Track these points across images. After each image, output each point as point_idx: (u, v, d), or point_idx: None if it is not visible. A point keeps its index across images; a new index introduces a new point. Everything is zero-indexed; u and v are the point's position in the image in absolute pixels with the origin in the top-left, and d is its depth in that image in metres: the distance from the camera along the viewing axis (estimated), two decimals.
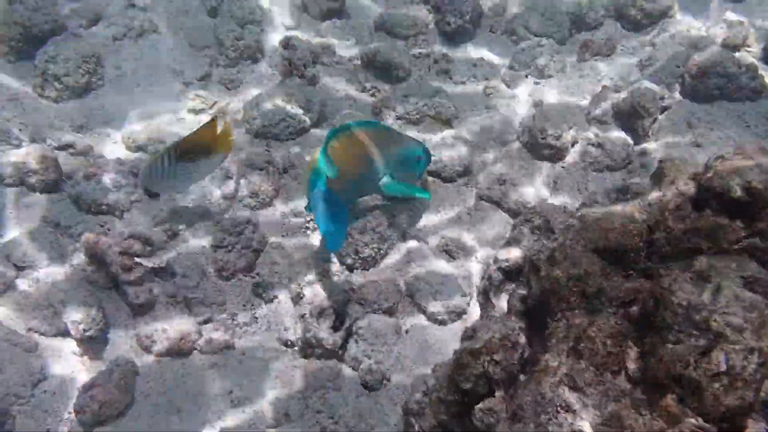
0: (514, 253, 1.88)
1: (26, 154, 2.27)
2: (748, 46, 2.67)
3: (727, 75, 2.46)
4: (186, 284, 2.10)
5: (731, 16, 2.73)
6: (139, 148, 2.48)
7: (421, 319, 2.15)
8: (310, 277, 2.19)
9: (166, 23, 2.90)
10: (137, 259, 2.06)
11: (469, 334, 1.64)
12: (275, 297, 2.18)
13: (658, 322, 1.33)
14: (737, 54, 2.64)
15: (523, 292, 1.70)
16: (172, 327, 2.03)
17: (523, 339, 1.54)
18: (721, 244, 1.42)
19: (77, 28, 2.78)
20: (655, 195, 1.61)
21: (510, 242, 2.06)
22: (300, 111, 2.60)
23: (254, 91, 2.74)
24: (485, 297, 1.95)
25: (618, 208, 1.62)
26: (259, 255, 2.26)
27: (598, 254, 1.53)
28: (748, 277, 1.31)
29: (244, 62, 2.85)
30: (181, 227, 2.26)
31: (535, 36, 2.94)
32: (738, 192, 1.43)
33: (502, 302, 1.89)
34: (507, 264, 1.88)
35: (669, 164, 1.64)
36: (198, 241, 2.26)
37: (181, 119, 2.60)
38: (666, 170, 1.65)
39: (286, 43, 2.82)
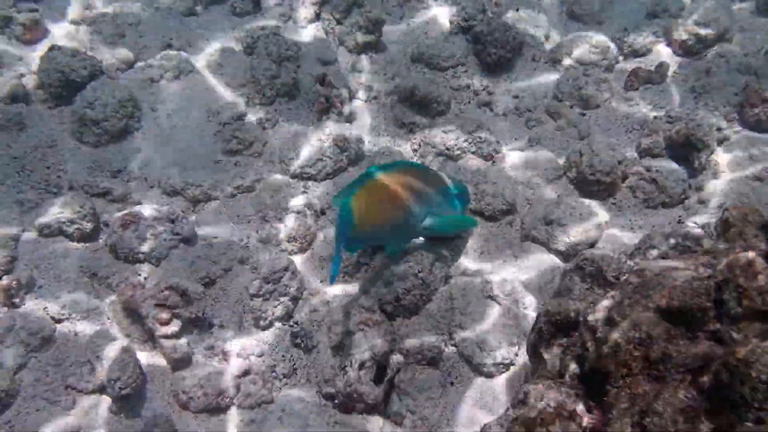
0: (566, 306, 1.76)
1: (64, 203, 2.26)
2: None
3: None
4: (223, 336, 2.05)
5: None
6: (175, 193, 2.45)
7: (467, 371, 2.05)
8: (351, 326, 2.11)
9: (203, 63, 2.89)
10: (174, 311, 2.01)
11: (520, 398, 1.52)
12: (314, 347, 2.10)
13: (735, 397, 1.20)
14: None
15: (577, 351, 1.58)
16: (209, 382, 1.97)
17: (581, 406, 1.43)
18: None
19: (114, 71, 2.78)
20: (721, 247, 1.49)
21: (561, 292, 1.94)
22: (336, 151, 2.55)
23: (291, 130, 2.69)
24: (535, 351, 1.83)
25: (680, 262, 1.49)
26: (297, 302, 2.19)
27: (660, 314, 1.41)
28: None
29: (281, 100, 2.80)
30: (218, 274, 2.21)
31: (581, 64, 2.83)
32: None
33: (553, 358, 1.76)
34: (558, 318, 1.76)
35: (735, 213, 1.52)
36: (235, 288, 2.20)
37: (218, 161, 2.56)
38: (732, 220, 1.52)
39: (322, 80, 2.78)
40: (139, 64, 2.86)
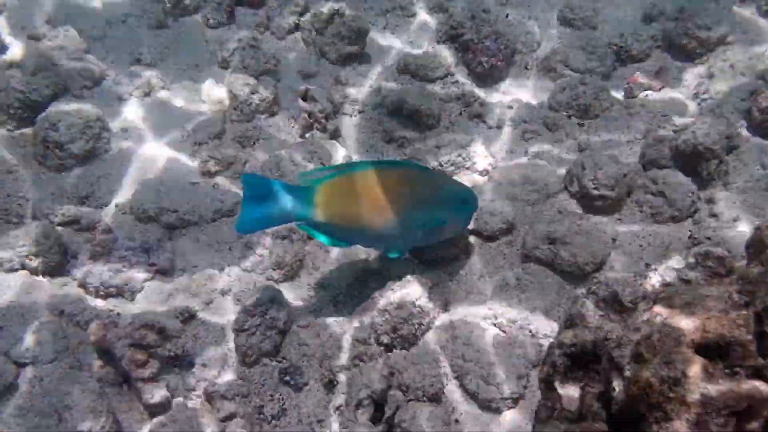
0: (582, 337, 1.60)
1: (26, 233, 2.07)
2: None
3: None
4: (206, 375, 1.87)
5: None
6: (150, 219, 2.26)
7: (472, 407, 1.88)
8: (344, 360, 1.95)
9: (176, 79, 2.71)
10: (151, 351, 1.82)
11: None
12: (305, 384, 1.93)
13: None
14: None
15: (599, 388, 1.43)
16: (191, 428, 1.79)
17: None
18: None
19: (80, 89, 2.59)
20: (755, 272, 1.34)
21: (573, 319, 1.79)
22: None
23: (272, 148, 2.52)
24: (548, 386, 1.67)
25: (711, 288, 1.35)
26: (285, 336, 2.02)
27: (694, 349, 1.26)
28: None
29: (260, 116, 2.63)
30: (198, 308, 2.03)
31: (575, 72, 2.70)
32: None
33: (571, 393, 1.60)
34: (574, 350, 1.61)
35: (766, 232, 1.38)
36: (217, 322, 2.02)
37: (195, 183, 2.38)
38: (766, 239, 1.38)
39: (305, 95, 2.61)
40: (107, 81, 2.67)
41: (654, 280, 1.79)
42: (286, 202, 1.75)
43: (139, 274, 2.05)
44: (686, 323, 1.29)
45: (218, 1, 2.98)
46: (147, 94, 2.62)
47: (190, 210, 2.28)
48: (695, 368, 1.23)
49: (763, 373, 1.22)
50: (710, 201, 2.16)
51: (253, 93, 2.62)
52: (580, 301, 1.82)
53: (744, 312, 1.26)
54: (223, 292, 2.09)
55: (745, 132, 2.30)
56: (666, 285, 1.76)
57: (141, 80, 2.63)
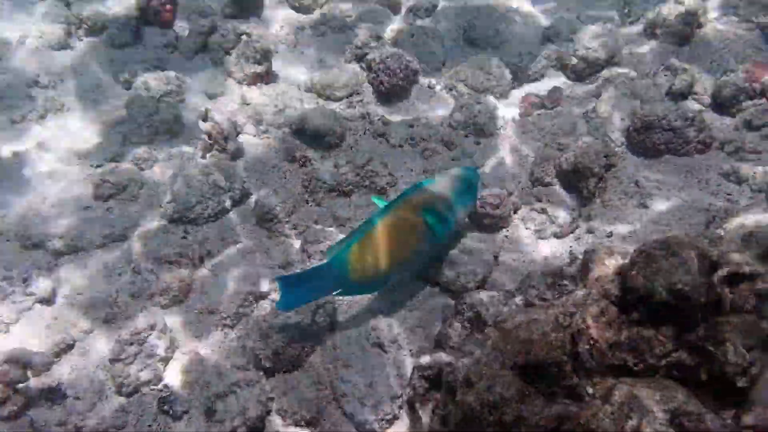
0: (438, 360, 1.64)
1: None
2: (696, 93, 2.50)
3: (673, 128, 2.27)
4: (77, 409, 1.85)
5: (675, 62, 2.56)
6: (36, 246, 2.24)
7: (350, 428, 1.90)
8: (224, 386, 1.95)
9: (75, 100, 2.70)
10: (16, 386, 1.80)
11: None
12: (185, 412, 1.93)
13: None
14: (688, 101, 2.48)
15: (441, 412, 1.47)
16: None
17: None
18: (647, 360, 1.21)
19: None
20: (579, 295, 1.40)
21: (440, 340, 1.83)
22: (219, 191, 2.39)
23: (170, 170, 2.52)
24: (411, 408, 1.71)
25: (540, 312, 1.40)
26: (168, 363, 2.02)
27: (518, 371, 1.31)
28: (675, 409, 1.09)
29: (161, 138, 2.64)
30: (78, 337, 2.02)
31: (475, 91, 2.75)
32: (663, 295, 1.23)
33: (427, 416, 1.65)
34: (430, 372, 1.64)
35: (594, 256, 1.44)
36: (97, 351, 2.01)
37: (88, 208, 2.37)
38: (590, 263, 1.44)
39: (205, 116, 2.62)
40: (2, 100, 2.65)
41: (517, 298, 1.84)
42: (325, 281, 1.84)
43: (14, 305, 2.02)
44: (512, 346, 1.34)
45: (123, 22, 2.98)
46: (43, 117, 2.60)
47: (79, 235, 2.27)
48: (512, 392, 1.27)
49: (577, 390, 1.27)
50: (588, 218, 2.23)
51: (152, 115, 2.62)
52: (448, 321, 1.86)
53: (561, 334, 1.31)
54: (107, 320, 2.08)
55: (624, 150, 2.37)
56: (528, 304, 1.81)
57: (37, 102, 2.61)
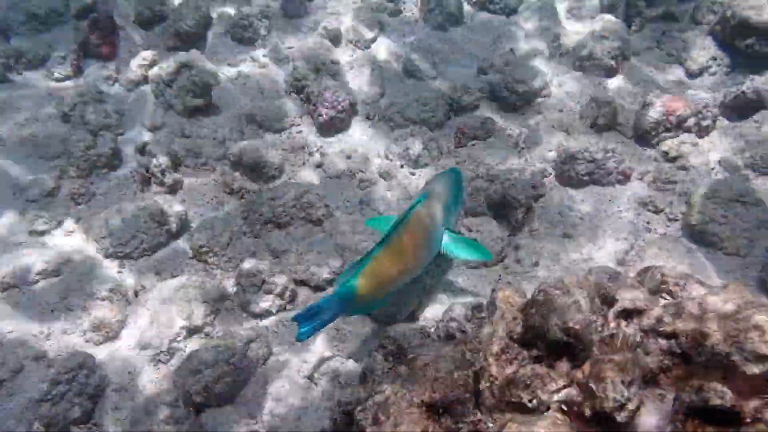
0: (356, 396, 1.68)
1: None
2: (620, 125, 2.61)
3: (594, 160, 2.37)
4: None
5: (600, 95, 2.67)
6: None
7: None
8: (151, 425, 1.95)
9: (12, 132, 2.69)
10: None
11: None
12: None
13: None
14: (612, 133, 2.59)
15: None
16: None
17: None
18: (539, 396, 1.27)
19: None
20: (485, 332, 1.46)
21: (365, 373, 1.87)
22: (154, 224, 2.41)
23: (109, 204, 2.53)
24: None
25: (448, 351, 1.45)
26: (97, 401, 2.01)
27: (426, 408, 1.36)
28: None
29: (99, 171, 2.64)
30: (5, 377, 2.00)
31: (411, 122, 2.82)
32: (557, 334, 1.30)
33: None
34: (350, 408, 1.68)
35: (500, 295, 1.49)
36: (26, 392, 2.00)
37: (20, 243, 2.36)
38: (497, 302, 1.50)
39: (143, 149, 2.64)
40: None
41: (440, 330, 1.89)
42: (335, 309, 1.88)
43: None
44: (420, 383, 1.39)
45: (63, 55, 2.98)
46: None
47: (11, 273, 2.26)
48: (417, 429, 1.32)
49: (479, 427, 1.32)
50: (517, 248, 2.30)
51: (89, 149, 2.63)
52: (372, 355, 1.91)
53: (465, 372, 1.37)
54: (36, 358, 2.07)
55: (553, 180, 2.46)
56: (448, 337, 1.86)
57: None
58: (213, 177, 2.71)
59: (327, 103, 2.82)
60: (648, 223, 2.29)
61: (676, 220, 2.28)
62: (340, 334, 2.20)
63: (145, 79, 3.03)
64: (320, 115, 2.84)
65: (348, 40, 3.18)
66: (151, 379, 2.08)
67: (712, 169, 2.40)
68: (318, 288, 2.33)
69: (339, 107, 2.84)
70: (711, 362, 1.22)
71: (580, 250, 2.22)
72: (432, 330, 1.94)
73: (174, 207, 2.50)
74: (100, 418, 1.99)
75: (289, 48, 3.18)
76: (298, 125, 2.92)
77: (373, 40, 3.21)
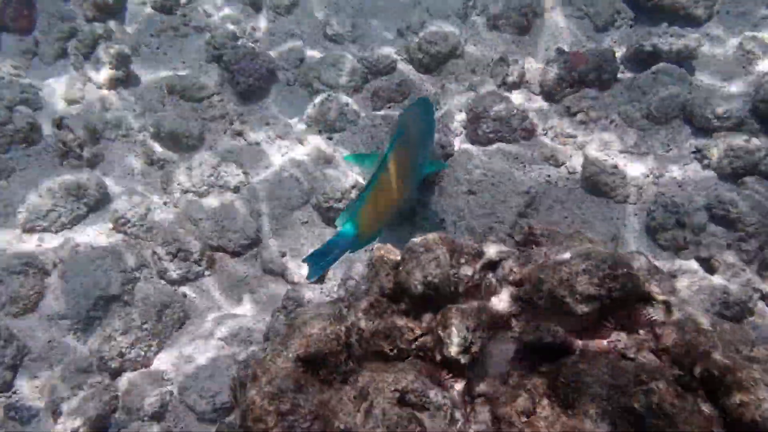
0: (251, 354, 1.77)
1: None
2: (527, 82, 2.67)
3: (500, 118, 2.44)
4: None
5: (508, 54, 2.73)
6: None
7: (191, 420, 2.03)
8: (72, 387, 2.04)
9: None
10: None
11: None
12: (34, 416, 2.01)
13: None
14: (520, 91, 2.66)
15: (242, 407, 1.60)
16: None
17: None
18: (399, 346, 1.37)
19: None
20: (362, 289, 1.55)
21: (269, 334, 1.96)
22: (71, 199, 2.44)
23: (29, 179, 2.55)
24: (234, 396, 1.84)
25: (326, 309, 1.54)
26: (16, 371, 2.08)
27: (301, 363, 1.45)
28: (402, 389, 1.25)
29: (18, 147, 2.65)
30: None
31: (328, 87, 2.86)
32: (419, 288, 1.38)
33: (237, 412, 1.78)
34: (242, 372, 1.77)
35: (376, 254, 1.58)
36: None
37: None
38: (375, 261, 1.58)
39: (60, 123, 2.65)
40: None
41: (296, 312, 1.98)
42: (341, 246, 1.93)
43: None
44: (296, 340, 1.47)
45: None
46: None
47: None
48: (288, 383, 1.41)
49: (350, 376, 1.42)
50: (425, 205, 2.39)
51: (5, 124, 2.63)
52: (275, 316, 1.99)
53: (337, 327, 1.45)
54: None
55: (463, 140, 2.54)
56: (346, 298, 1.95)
57: None
58: (134, 149, 2.73)
59: (245, 71, 2.84)
60: (549, 176, 2.38)
61: (575, 173, 2.38)
62: (254, 296, 2.28)
63: (64, 52, 3.01)
64: (238, 83, 2.86)
65: (268, 7, 3.17)
66: (70, 347, 2.15)
67: (611, 121, 2.49)
68: (235, 254, 2.40)
69: (256, 75, 2.86)
70: (551, 306, 1.32)
71: (484, 206, 2.30)
72: (336, 289, 2.03)
73: (92, 180, 2.52)
74: (20, 388, 2.06)
75: (209, 16, 3.17)
76: (220, 94, 2.93)
77: (294, 5, 3.20)
